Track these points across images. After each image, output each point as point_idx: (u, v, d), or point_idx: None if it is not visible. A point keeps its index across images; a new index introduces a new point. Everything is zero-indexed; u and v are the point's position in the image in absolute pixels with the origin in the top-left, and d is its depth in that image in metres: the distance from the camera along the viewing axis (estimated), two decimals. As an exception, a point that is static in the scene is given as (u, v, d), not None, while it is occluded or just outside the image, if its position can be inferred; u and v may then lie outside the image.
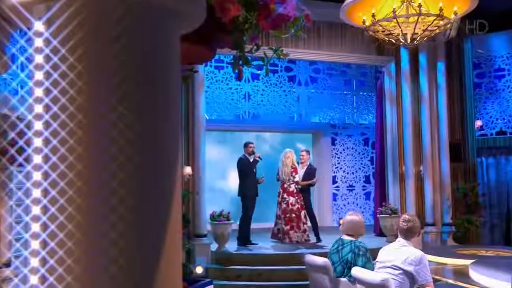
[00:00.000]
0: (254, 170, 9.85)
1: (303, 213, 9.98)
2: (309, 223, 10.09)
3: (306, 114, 13.71)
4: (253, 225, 10.12)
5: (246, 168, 9.77)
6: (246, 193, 9.66)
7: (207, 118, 11.03)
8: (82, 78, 1.18)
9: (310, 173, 10.25)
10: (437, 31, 7.51)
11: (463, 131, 11.39)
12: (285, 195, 10.05)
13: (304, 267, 6.03)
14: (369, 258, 5.35)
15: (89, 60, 1.19)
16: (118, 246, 1.18)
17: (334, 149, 14.07)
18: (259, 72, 12.94)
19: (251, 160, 9.81)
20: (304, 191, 10.13)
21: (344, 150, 14.13)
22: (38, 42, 1.16)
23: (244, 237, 9.65)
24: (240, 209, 9.78)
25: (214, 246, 9.27)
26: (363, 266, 5.19)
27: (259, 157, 9.86)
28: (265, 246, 9.74)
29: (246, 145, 10.01)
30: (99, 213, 1.17)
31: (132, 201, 1.22)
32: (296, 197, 9.99)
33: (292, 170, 10.07)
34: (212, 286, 7.04)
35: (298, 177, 10.11)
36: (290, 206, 9.93)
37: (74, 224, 1.15)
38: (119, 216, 1.18)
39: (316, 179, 10.42)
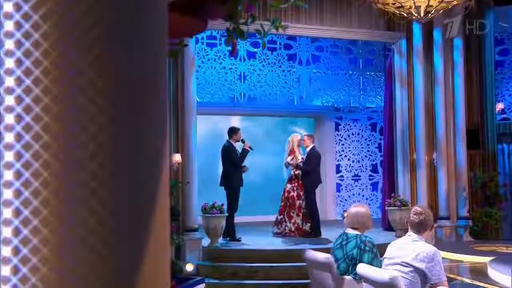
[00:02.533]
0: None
1: (298, 202, 10.07)
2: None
3: (308, 96, 13.71)
4: (250, 219, 10.18)
5: (234, 159, 9.76)
6: (232, 184, 9.68)
7: (198, 100, 11.00)
8: (57, 47, 1.17)
9: (307, 158, 10.26)
10: (455, 2, 7.49)
11: (482, 115, 11.39)
12: (286, 183, 10.30)
13: (304, 264, 6.06)
14: (376, 254, 5.38)
15: (63, 30, 1.18)
16: (97, 234, 1.18)
17: (338, 135, 14.09)
18: (255, 50, 12.91)
19: (241, 149, 9.81)
20: (314, 185, 10.22)
21: (349, 136, 14.15)
22: (7, 7, 1.15)
23: (229, 232, 9.67)
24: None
25: (206, 241, 9.30)
26: (370, 263, 5.22)
27: (250, 147, 9.85)
28: (262, 241, 9.78)
29: (234, 131, 9.98)
30: (77, 198, 1.17)
31: (113, 187, 1.21)
32: (293, 184, 10.16)
33: (288, 155, 10.26)
34: (204, 284, 7.08)
35: (289, 159, 10.22)
36: (286, 194, 10.13)
37: (49, 210, 1.15)
38: (99, 201, 1.18)
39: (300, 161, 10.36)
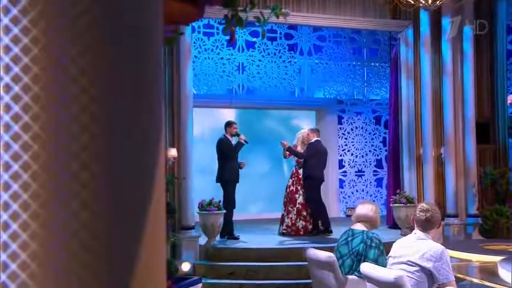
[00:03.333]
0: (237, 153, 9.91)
1: (295, 196, 10.12)
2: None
3: (309, 88, 13.71)
4: (248, 216, 10.19)
5: (228, 151, 9.79)
6: (227, 179, 9.70)
7: (195, 92, 11.00)
8: (46, 34, 1.17)
9: (306, 148, 10.27)
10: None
11: (492, 107, 11.36)
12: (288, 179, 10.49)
13: (305, 263, 6.07)
14: (383, 251, 5.40)
15: (51, 17, 1.18)
16: (90, 229, 1.18)
17: (341, 128, 14.07)
18: (254, 39, 12.89)
19: (235, 143, 9.83)
20: (312, 180, 10.19)
21: (352, 129, 14.14)
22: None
23: (226, 229, 9.67)
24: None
25: (203, 240, 9.30)
26: (375, 260, 5.24)
27: (244, 141, 9.86)
28: (261, 239, 9.79)
29: (229, 124, 10.00)
30: (68, 191, 1.17)
31: (106, 180, 1.21)
32: (293, 179, 10.27)
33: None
34: (200, 284, 7.09)
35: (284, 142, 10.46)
36: (287, 189, 10.38)
37: (39, 204, 1.15)
38: (92, 195, 1.18)
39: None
